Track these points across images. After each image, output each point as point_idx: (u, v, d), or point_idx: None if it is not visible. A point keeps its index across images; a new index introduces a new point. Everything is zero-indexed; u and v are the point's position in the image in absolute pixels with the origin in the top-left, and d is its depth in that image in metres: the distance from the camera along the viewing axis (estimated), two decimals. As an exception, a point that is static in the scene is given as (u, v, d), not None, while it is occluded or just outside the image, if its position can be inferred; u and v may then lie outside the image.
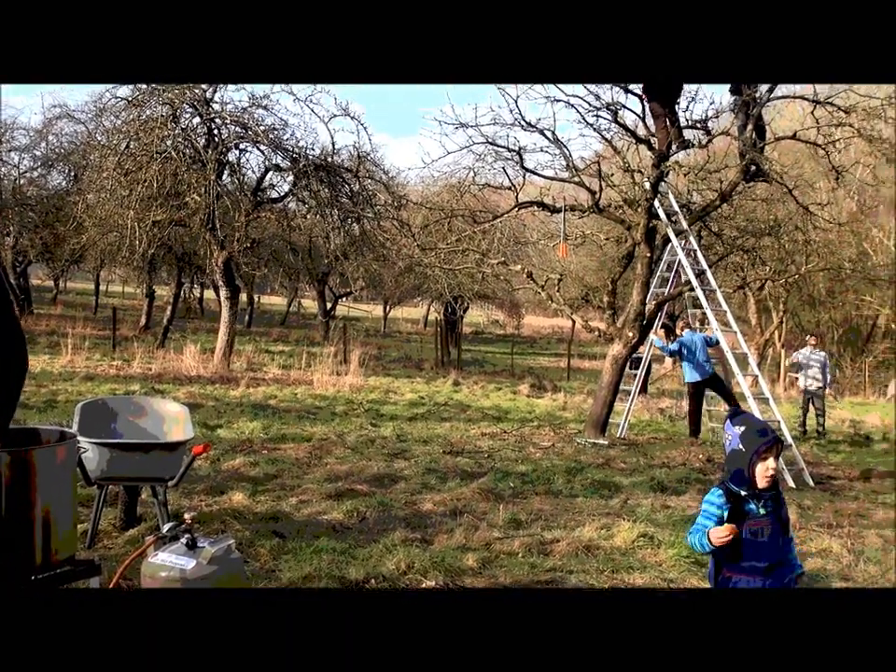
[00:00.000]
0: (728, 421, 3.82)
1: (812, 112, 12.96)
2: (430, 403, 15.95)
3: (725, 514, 3.69)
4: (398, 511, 7.71)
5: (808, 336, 16.74)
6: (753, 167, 12.76)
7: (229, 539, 4.37)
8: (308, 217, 21.02)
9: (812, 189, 23.45)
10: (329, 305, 34.07)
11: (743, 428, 3.71)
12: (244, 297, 31.75)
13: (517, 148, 13.10)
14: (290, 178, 19.15)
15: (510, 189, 13.76)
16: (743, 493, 3.69)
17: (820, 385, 15.85)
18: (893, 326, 28.69)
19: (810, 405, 15.90)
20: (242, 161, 19.09)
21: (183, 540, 4.15)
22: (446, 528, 7.08)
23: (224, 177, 18.53)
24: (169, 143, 16.81)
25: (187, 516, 4.31)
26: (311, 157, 18.32)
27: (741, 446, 3.67)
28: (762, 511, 3.70)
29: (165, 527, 4.40)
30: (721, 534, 3.58)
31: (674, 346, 14.01)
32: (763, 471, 3.65)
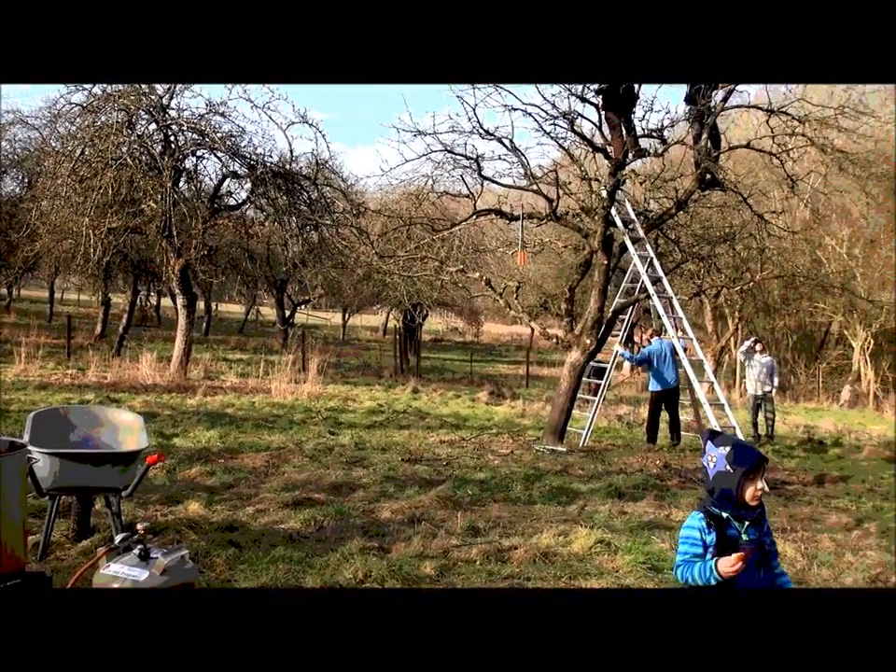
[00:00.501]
0: (710, 442, 3.68)
1: (766, 121, 13.14)
2: (389, 411, 15.91)
3: (712, 540, 3.57)
4: (355, 519, 7.68)
5: (753, 340, 16.82)
6: (708, 176, 12.91)
7: (182, 549, 4.32)
8: (266, 224, 20.93)
9: (766, 198, 23.71)
10: (287, 313, 33.91)
11: (728, 449, 3.59)
12: (201, 305, 31.51)
13: (475, 156, 13.13)
14: (248, 185, 19.05)
15: (468, 196, 13.79)
16: (725, 515, 3.59)
17: (768, 389, 16.00)
18: (846, 332, 29.10)
19: (759, 410, 16.04)
20: (199, 167, 18.95)
21: (136, 551, 4.09)
22: (404, 536, 7.07)
23: (181, 184, 18.38)
24: (125, 149, 16.63)
25: (140, 526, 4.25)
26: (269, 164, 18.24)
27: (728, 467, 3.55)
28: (745, 537, 3.58)
29: (118, 538, 4.35)
30: (731, 564, 3.41)
31: (641, 355, 14.15)
32: (753, 491, 3.56)
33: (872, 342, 28.21)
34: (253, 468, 9.72)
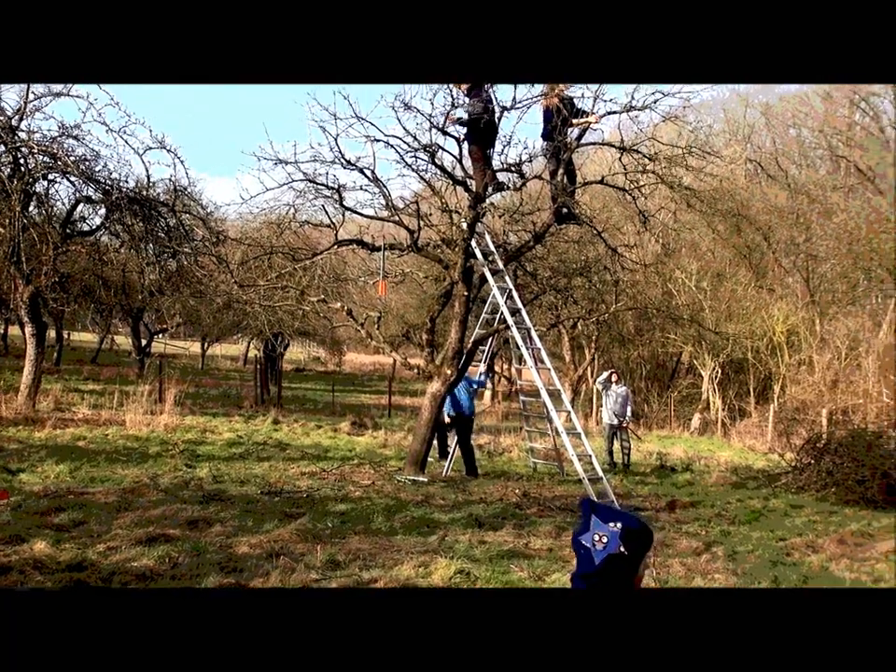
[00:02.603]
0: (594, 517, 2.93)
1: (619, 159, 13.63)
2: (249, 443, 15.64)
3: None
4: (212, 555, 7.50)
5: (609, 372, 17.34)
6: (565, 210, 13.27)
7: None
8: (122, 251, 20.33)
9: (620, 232, 24.61)
10: (144, 342, 32.99)
11: (619, 525, 2.89)
12: (52, 333, 30.30)
13: (337, 186, 13.11)
14: (102, 211, 18.50)
15: (330, 226, 13.76)
16: None
17: (622, 418, 16.48)
18: (695, 362, 30.23)
19: (615, 439, 16.50)
20: (50, 192, 18.31)
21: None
22: (262, 572, 6.95)
23: (31, 209, 17.69)
24: (-30, 172, 15.93)
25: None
26: (125, 189, 17.75)
27: (623, 549, 2.85)
28: None
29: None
30: None
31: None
32: (644, 576, 2.96)
33: (719, 371, 29.38)
34: (105, 503, 9.39)
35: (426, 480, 12.66)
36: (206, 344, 41.80)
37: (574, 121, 12.51)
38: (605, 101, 12.54)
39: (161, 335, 36.14)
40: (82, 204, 18.55)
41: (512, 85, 12.09)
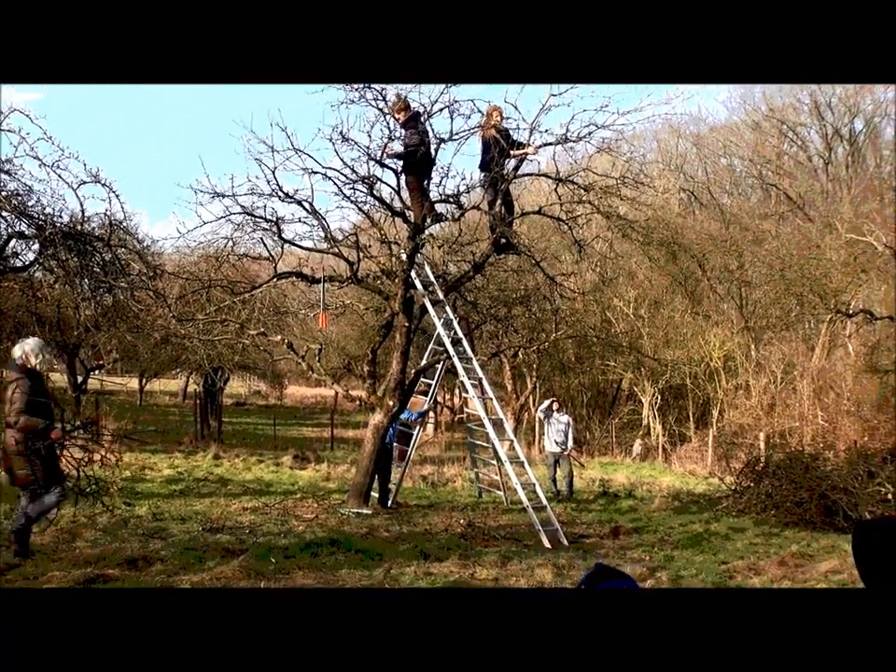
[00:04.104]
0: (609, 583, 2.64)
1: (555, 189, 13.78)
2: (189, 479, 15.41)
3: None
4: (153, 594, 7.36)
5: (550, 401, 17.40)
6: (503, 240, 13.36)
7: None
8: (56, 286, 19.98)
9: (558, 261, 24.90)
10: (80, 379, 32.36)
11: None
12: (-17, 372, 29.61)
13: (275, 219, 13.05)
14: (36, 247, 18.17)
15: (268, 259, 13.70)
16: None
17: (564, 447, 16.52)
18: (635, 389, 30.56)
19: (557, 467, 16.51)
20: (-19, 228, 17.93)
21: None
22: (204, 610, 6.82)
23: (-40, 245, 17.33)
24: None
25: None
26: (58, 224, 17.47)
27: None
28: None
29: None
30: None
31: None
32: None
33: (659, 397, 29.76)
34: (40, 545, 9.16)
35: (369, 512, 12.58)
36: (144, 380, 41.18)
37: (512, 152, 12.64)
38: (541, 132, 12.71)
39: (97, 371, 35.46)
40: (14, 240, 18.20)
41: (450, 117, 12.22)
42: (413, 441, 14.78)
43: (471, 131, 12.64)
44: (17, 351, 8.67)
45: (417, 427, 14.90)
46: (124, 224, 19.70)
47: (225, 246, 14.06)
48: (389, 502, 13.58)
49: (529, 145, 12.72)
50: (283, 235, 13.28)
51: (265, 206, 12.91)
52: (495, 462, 14.85)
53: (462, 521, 12.18)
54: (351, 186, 12.70)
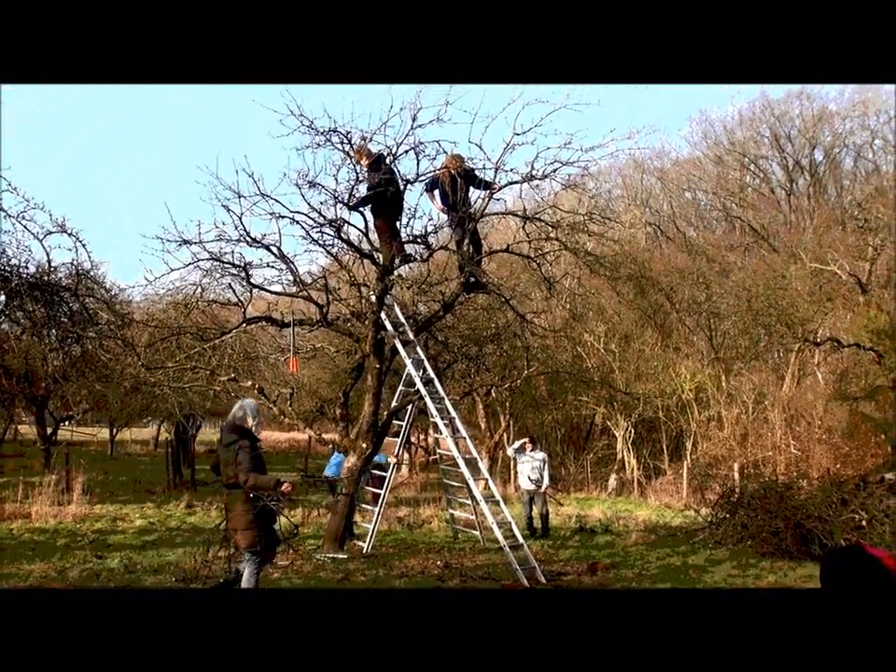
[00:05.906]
0: None
1: (523, 227, 13.86)
2: (162, 529, 15.21)
3: None
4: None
5: (522, 441, 17.24)
6: (472, 279, 13.39)
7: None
8: (24, 338, 19.79)
9: (528, 299, 24.99)
10: (49, 430, 31.98)
11: None
12: (-50, 426, 29.21)
13: (243, 264, 13.01)
14: (2, 298, 18.02)
15: (238, 304, 13.65)
16: None
17: (539, 484, 16.38)
18: (609, 423, 30.62)
19: (532, 505, 16.37)
20: (-55, 280, 17.75)
21: None
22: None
23: (-76, 299, 17.15)
24: None
25: None
26: (24, 275, 17.35)
27: None
28: None
29: None
30: None
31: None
32: None
33: (632, 431, 29.81)
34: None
35: (345, 556, 12.45)
36: (115, 429, 40.75)
37: (477, 191, 12.73)
38: (506, 171, 12.78)
39: (67, 422, 35.09)
40: (-20, 292, 18.04)
41: (416, 159, 12.27)
42: (385, 485, 14.66)
43: (437, 171, 12.69)
44: (238, 412, 8.55)
45: (390, 471, 14.81)
46: (91, 273, 19.61)
47: (194, 293, 14.00)
48: (366, 548, 13.46)
49: (495, 183, 12.79)
50: (252, 280, 13.25)
51: (233, 252, 12.88)
52: (470, 502, 14.78)
53: (439, 562, 12.08)
54: (319, 229, 12.70)
